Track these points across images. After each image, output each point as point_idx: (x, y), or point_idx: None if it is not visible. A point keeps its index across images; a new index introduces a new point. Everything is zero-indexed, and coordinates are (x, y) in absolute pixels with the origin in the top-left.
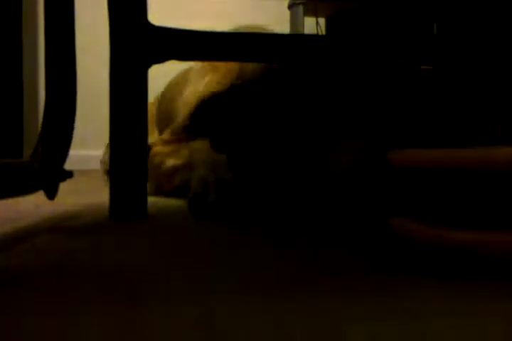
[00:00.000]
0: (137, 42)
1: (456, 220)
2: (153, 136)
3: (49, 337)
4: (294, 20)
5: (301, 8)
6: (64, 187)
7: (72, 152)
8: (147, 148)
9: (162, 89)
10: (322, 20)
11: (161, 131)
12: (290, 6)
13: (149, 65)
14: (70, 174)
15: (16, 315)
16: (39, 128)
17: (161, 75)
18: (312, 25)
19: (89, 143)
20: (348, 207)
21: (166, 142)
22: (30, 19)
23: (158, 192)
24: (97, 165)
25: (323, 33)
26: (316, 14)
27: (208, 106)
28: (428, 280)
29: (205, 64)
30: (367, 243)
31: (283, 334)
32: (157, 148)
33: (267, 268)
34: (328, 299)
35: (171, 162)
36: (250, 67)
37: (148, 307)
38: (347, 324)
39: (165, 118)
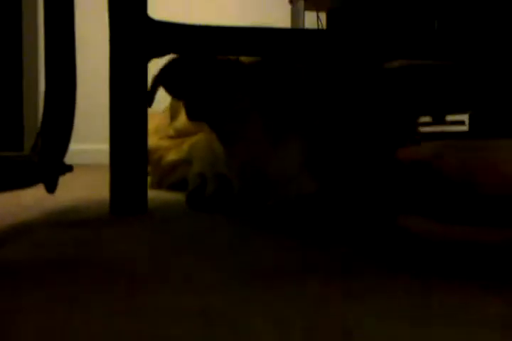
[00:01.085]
0: (137, 35)
1: (463, 217)
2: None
3: (51, 327)
4: (295, 15)
5: (301, 2)
6: (65, 181)
7: (74, 146)
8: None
9: None
10: (323, 15)
11: None
12: (291, 0)
13: (149, 59)
14: (70, 168)
15: (17, 308)
16: (39, 121)
17: None
18: (314, 19)
19: (91, 138)
20: (351, 206)
21: (169, 137)
22: (30, 12)
23: (160, 185)
24: (98, 160)
25: (324, 27)
26: (317, 9)
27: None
28: (437, 279)
29: None
30: (373, 240)
31: (282, 328)
32: (158, 143)
33: (267, 261)
34: (329, 291)
35: (170, 157)
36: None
37: (147, 298)
38: (348, 318)
39: (174, 115)
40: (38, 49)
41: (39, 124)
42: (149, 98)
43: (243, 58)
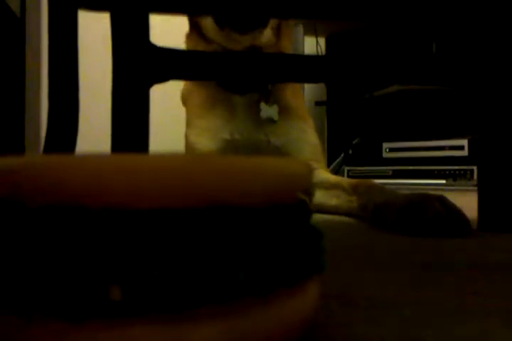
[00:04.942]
0: (139, 61)
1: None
2: None
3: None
4: (295, 40)
5: (301, 27)
6: None
7: None
8: None
9: None
10: (322, 40)
11: None
12: None
13: (151, 85)
14: None
15: None
16: (41, 137)
17: None
18: (313, 44)
19: None
20: None
21: None
22: (33, 24)
23: None
24: None
25: (323, 52)
26: (316, 34)
27: None
28: None
29: None
30: None
31: None
32: None
33: None
34: None
35: None
36: None
37: None
38: None
39: None
40: (42, 62)
41: (40, 138)
42: None
43: None
